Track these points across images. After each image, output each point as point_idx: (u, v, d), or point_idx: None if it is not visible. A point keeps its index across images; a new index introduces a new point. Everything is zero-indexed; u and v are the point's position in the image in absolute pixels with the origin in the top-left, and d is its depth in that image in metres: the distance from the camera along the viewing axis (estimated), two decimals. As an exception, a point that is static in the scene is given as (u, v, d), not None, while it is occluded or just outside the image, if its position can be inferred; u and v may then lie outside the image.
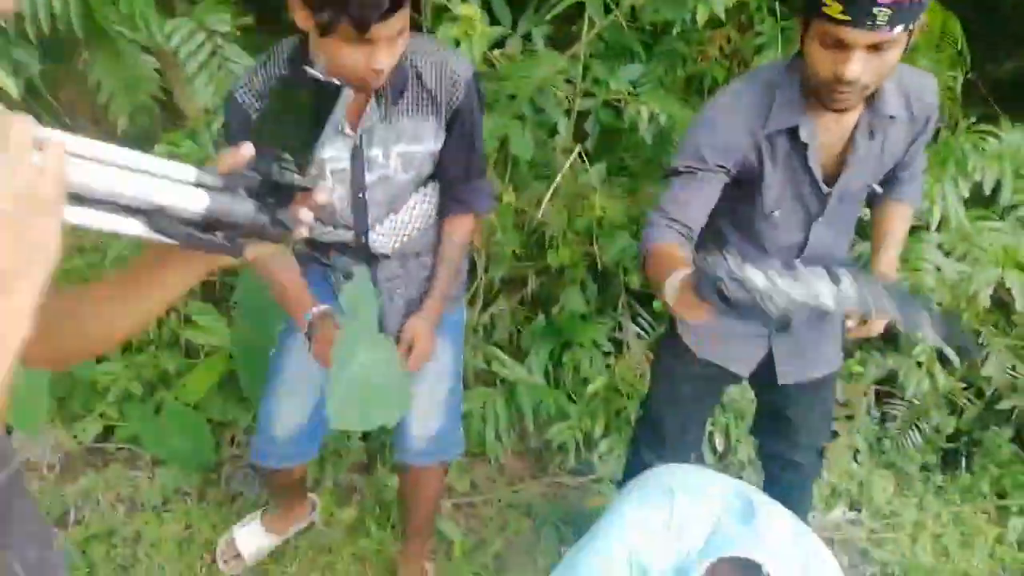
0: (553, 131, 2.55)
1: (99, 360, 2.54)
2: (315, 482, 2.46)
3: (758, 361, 1.88)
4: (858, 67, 1.38)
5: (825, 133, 1.59)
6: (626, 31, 2.57)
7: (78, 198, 0.62)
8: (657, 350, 2.25)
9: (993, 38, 2.90)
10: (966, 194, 2.49)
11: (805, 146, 1.57)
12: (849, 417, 2.88)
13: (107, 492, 2.36)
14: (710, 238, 1.74)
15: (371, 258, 1.75)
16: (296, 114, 0.95)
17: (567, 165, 2.44)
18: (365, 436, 2.55)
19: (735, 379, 1.95)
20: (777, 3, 2.78)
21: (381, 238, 1.71)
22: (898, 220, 1.81)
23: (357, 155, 1.57)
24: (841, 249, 1.81)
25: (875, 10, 1.30)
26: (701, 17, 2.50)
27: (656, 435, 2.05)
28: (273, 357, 1.88)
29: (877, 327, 1.67)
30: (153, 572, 2.16)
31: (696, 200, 1.60)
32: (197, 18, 2.48)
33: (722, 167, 1.59)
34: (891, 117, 1.58)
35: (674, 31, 2.62)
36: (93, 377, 2.53)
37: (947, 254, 2.54)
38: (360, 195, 1.63)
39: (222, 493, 2.42)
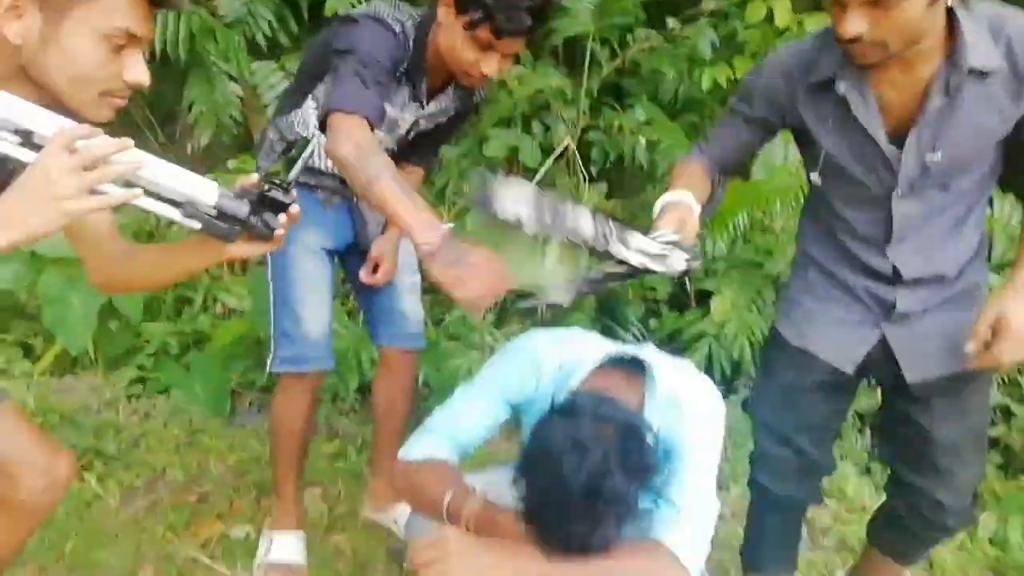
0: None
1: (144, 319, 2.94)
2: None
3: (865, 353, 1.58)
4: (853, 26, 1.27)
5: (891, 88, 1.41)
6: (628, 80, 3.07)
7: (147, 192, 1.04)
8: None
9: None
10: None
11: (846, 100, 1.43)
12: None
13: (127, 406, 2.66)
14: (826, 216, 1.61)
15: None
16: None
17: (550, 161, 2.82)
18: (360, 387, 2.78)
19: (841, 377, 1.62)
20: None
21: None
22: None
23: (417, 121, 1.86)
24: (951, 242, 1.51)
25: None
26: (706, 83, 2.90)
27: (763, 449, 1.74)
28: (278, 273, 1.90)
29: (1007, 352, 1.36)
30: (153, 448, 2.44)
31: (727, 141, 1.63)
32: (280, 63, 3.13)
33: (762, 118, 1.57)
34: (980, 72, 1.34)
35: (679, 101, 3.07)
36: (136, 333, 2.93)
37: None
38: (396, 149, 1.90)
39: (226, 419, 2.71)
